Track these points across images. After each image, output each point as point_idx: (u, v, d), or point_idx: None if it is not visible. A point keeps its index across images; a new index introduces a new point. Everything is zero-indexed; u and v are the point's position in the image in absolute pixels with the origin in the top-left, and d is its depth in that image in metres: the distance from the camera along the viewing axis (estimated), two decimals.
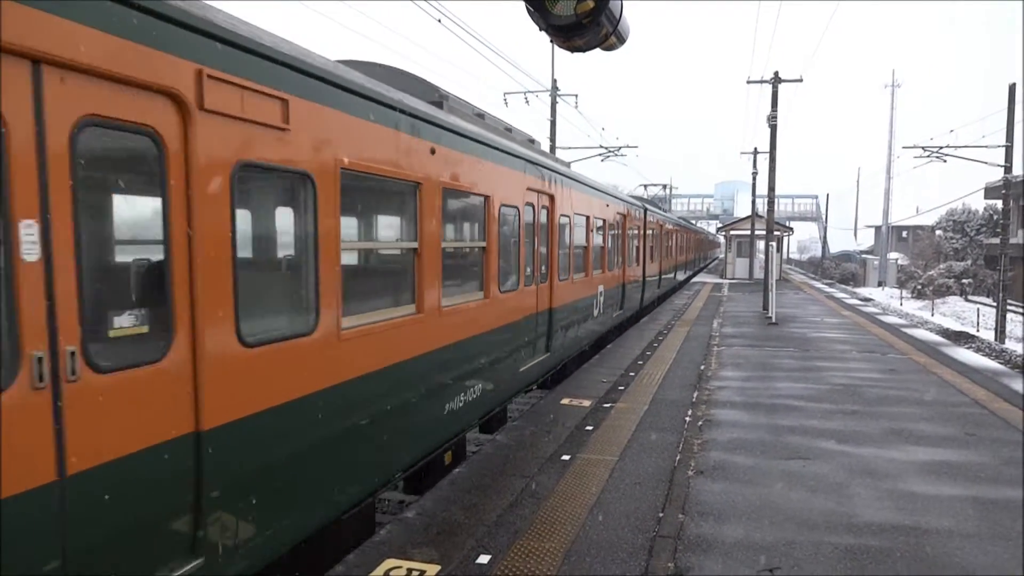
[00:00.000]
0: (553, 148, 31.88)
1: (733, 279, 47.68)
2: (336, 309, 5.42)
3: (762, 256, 38.96)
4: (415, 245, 6.80)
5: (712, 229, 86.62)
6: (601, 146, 34.44)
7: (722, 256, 60.36)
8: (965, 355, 16.14)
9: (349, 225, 6.09)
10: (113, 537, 3.65)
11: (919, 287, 52.85)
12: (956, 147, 32.96)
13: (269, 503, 4.74)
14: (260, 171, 4.73)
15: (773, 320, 21.86)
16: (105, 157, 3.80)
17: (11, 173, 3.12)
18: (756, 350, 16.20)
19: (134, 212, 4.34)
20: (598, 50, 5.16)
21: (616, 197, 18.67)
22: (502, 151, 9.20)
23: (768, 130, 25.29)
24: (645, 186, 57.47)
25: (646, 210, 23.63)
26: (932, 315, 39.02)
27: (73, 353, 3.41)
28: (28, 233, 3.20)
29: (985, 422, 9.75)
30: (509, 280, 9.69)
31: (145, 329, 3.96)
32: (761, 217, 39.18)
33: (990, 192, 46.77)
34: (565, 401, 10.69)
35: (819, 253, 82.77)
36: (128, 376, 3.72)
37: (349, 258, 5.85)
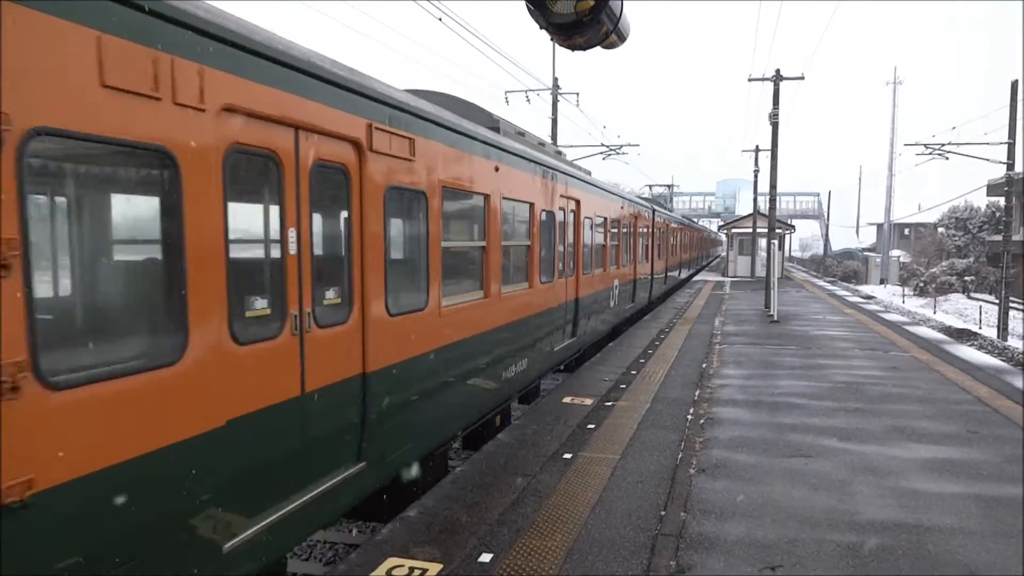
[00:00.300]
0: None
1: (735, 277, 47.63)
2: (438, 292, 7.28)
3: (764, 254, 38.97)
4: (483, 244, 8.65)
5: (714, 227, 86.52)
6: (603, 144, 34.39)
7: (724, 254, 60.38)
8: (967, 352, 16.12)
9: (445, 229, 7.57)
10: (319, 435, 5.32)
11: (921, 284, 52.82)
12: (958, 144, 32.91)
13: (403, 428, 6.54)
14: (398, 191, 6.46)
15: (775, 318, 21.84)
16: (323, 187, 5.44)
17: (284, 198, 4.94)
18: (758, 348, 16.19)
19: (333, 225, 6.04)
20: (599, 48, 5.16)
21: (629, 199, 20.38)
22: (541, 164, 11.04)
23: (770, 128, 25.27)
24: (650, 187, 59.23)
25: (654, 211, 25.24)
26: (934, 312, 38.99)
27: (309, 314, 5.20)
28: (291, 237, 4.99)
29: (987, 419, 9.74)
30: (547, 273, 11.47)
31: (338, 301, 5.70)
32: (763, 215, 39.15)
33: (992, 189, 46.68)
34: (567, 399, 10.69)
35: (821, 251, 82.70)
36: (330, 331, 5.49)
37: (444, 254, 7.51)
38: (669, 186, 66.18)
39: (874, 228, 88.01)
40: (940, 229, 64.74)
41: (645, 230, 22.77)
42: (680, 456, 7.95)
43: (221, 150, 4.29)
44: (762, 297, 26.39)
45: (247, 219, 4.84)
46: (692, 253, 46.89)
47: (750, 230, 46.80)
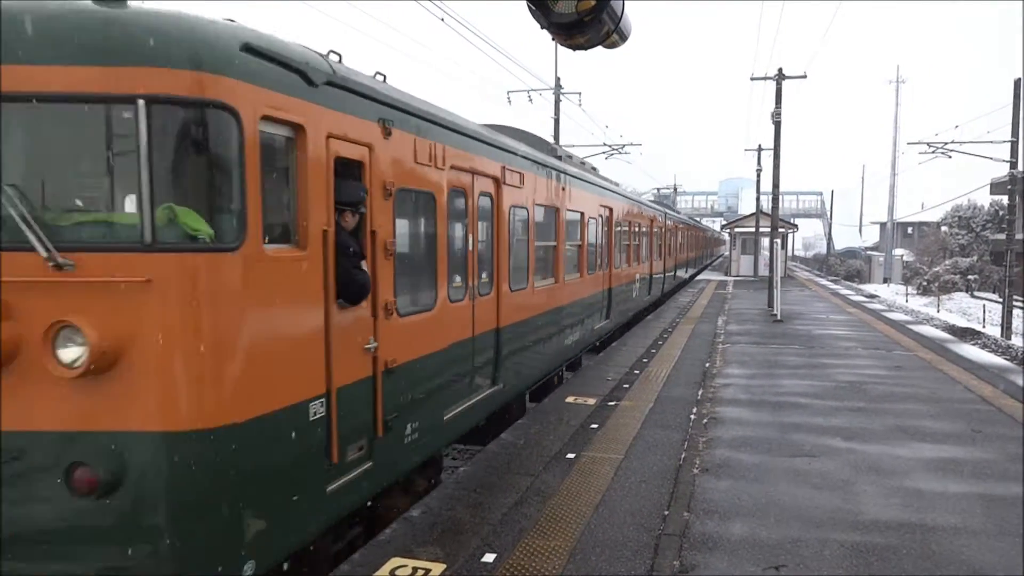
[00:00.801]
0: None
1: (738, 276, 47.59)
2: (533, 277, 10.22)
3: (767, 253, 38.91)
4: (555, 244, 11.53)
5: (716, 227, 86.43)
6: (605, 144, 34.39)
7: (726, 253, 60.37)
8: (971, 352, 16.10)
9: (536, 234, 10.44)
10: (476, 369, 8.11)
11: (925, 283, 52.72)
12: (961, 143, 32.85)
13: (516, 367, 9.44)
14: (515, 210, 9.40)
15: (778, 317, 21.81)
16: (483, 209, 8.33)
17: (468, 217, 7.82)
18: (761, 347, 16.18)
19: (486, 232, 8.56)
20: (600, 48, 5.15)
21: (647, 205, 23.83)
22: (587, 182, 14.02)
23: (772, 127, 25.25)
24: (658, 189, 61.32)
25: (666, 215, 28.38)
26: (938, 311, 38.91)
27: (475, 287, 7.97)
28: (470, 241, 7.86)
29: (991, 419, 9.73)
30: (592, 267, 14.31)
31: (488, 280, 8.54)
32: (766, 214, 39.06)
33: (996, 188, 46.58)
34: (570, 399, 10.69)
35: (824, 250, 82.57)
36: (484, 299, 8.35)
37: (536, 251, 10.48)
38: (676, 188, 69.06)
39: (877, 227, 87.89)
40: (943, 228, 64.54)
41: (659, 231, 25.53)
42: (683, 456, 7.95)
43: (446, 190, 7.04)
44: (765, 296, 26.35)
45: (455, 230, 7.60)
46: (697, 252, 48.54)
47: (753, 229, 46.73)
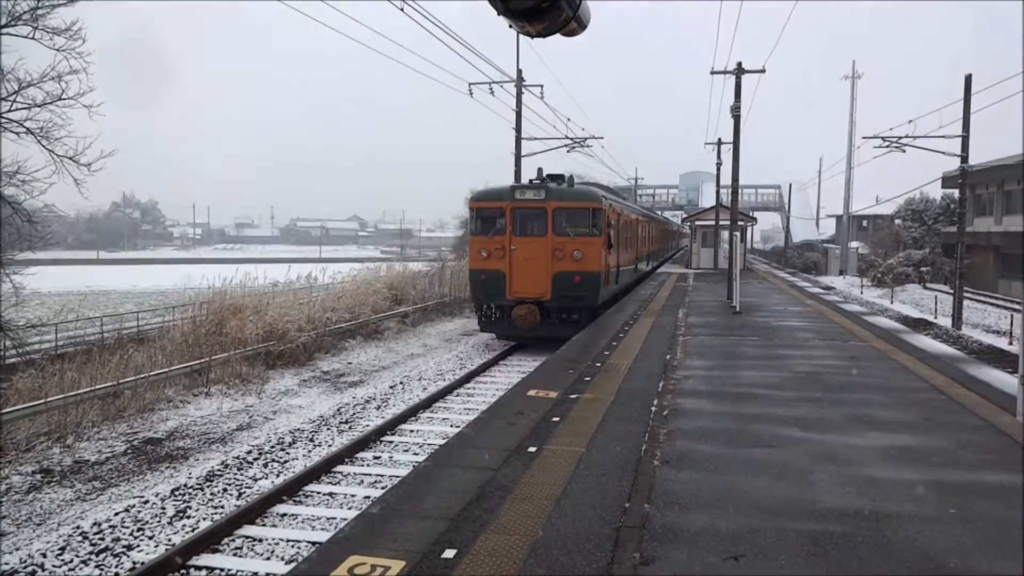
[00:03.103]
0: (518, 139, 31.77)
1: (698, 269, 48.00)
2: (637, 251, 33.01)
3: (727, 246, 39.33)
4: (629, 235, 28.70)
5: (678, 220, 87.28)
6: (567, 137, 34.40)
7: (687, 246, 60.89)
8: (924, 342, 16.41)
9: (624, 231, 27.28)
10: (636, 279, 33.04)
11: (879, 275, 53.72)
12: (914, 137, 33.46)
13: (634, 267, 31.77)
14: (623, 224, 27.74)
15: (738, 309, 22.03)
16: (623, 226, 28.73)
17: (638, 229, 34.24)
18: (721, 339, 16.32)
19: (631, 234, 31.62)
20: (559, 36, 5.09)
21: (642, 208, 40.32)
22: (621, 201, 28.54)
23: (732, 120, 25.45)
24: (636, 185, 67.99)
25: (652, 215, 42.52)
26: (892, 303, 39.69)
27: (640, 260, 34.50)
28: (640, 237, 34.72)
29: (943, 407, 9.91)
30: (627, 251, 29.96)
31: (635, 256, 32.63)
32: (725, 207, 39.42)
33: (947, 181, 47.63)
34: (532, 392, 10.66)
35: (782, 243, 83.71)
36: (625, 268, 28.60)
37: (639, 243, 32.36)
38: (635, 180, 72.73)
39: (833, 220, 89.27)
40: (897, 221, 65.72)
41: (646, 226, 38.03)
42: (644, 448, 7.96)
43: (617, 222, 25.83)
44: (725, 289, 26.60)
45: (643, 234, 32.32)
46: (664, 244, 53.05)
47: (713, 222, 47.15)
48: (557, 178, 23.40)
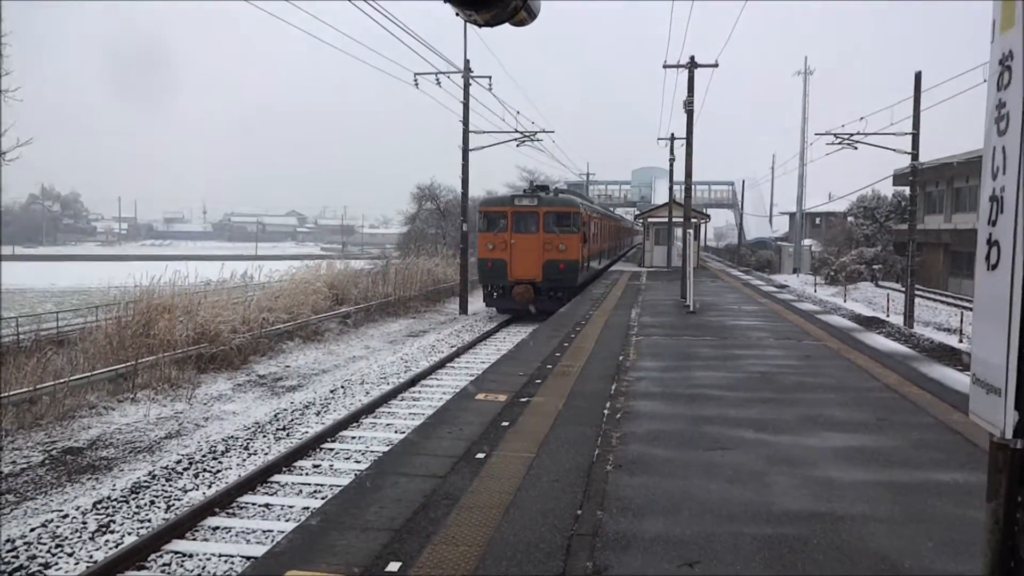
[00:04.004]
0: (466, 132, 31.44)
1: (651, 267, 48.01)
2: (601, 246, 39.98)
3: (680, 244, 39.55)
4: (597, 232, 36.10)
5: (630, 217, 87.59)
6: (517, 131, 34.18)
7: (640, 242, 61.09)
8: (876, 340, 16.56)
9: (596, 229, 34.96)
10: (604, 264, 44.64)
11: (832, 273, 54.54)
12: (866, 134, 33.94)
13: (598, 260, 38.33)
14: (593, 224, 35.45)
15: (692, 308, 22.03)
16: (601, 225, 40.46)
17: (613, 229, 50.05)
18: (675, 339, 16.28)
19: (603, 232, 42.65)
20: (508, 26, 4.88)
21: (605, 209, 49.48)
22: (590, 204, 37.29)
23: (685, 115, 25.47)
24: (588, 181, 71.31)
25: (612, 214, 49.28)
26: (845, 301, 40.32)
27: (592, 257, 37.31)
28: (593, 234, 39.94)
29: (896, 407, 9.92)
30: (597, 244, 37.35)
31: (603, 251, 44.56)
32: (678, 204, 39.61)
33: (899, 179, 48.49)
34: (480, 396, 10.43)
35: (736, 240, 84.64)
36: (599, 263, 40.79)
37: (601, 239, 38.44)
38: (586, 176, 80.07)
39: (787, 217, 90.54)
40: (849, 218, 66.59)
41: (605, 224, 42.73)
42: (597, 452, 7.78)
43: (590, 223, 33.12)
44: (678, 287, 26.66)
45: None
46: (617, 241, 57.18)
47: (666, 220, 47.12)
48: (544, 188, 32.40)
